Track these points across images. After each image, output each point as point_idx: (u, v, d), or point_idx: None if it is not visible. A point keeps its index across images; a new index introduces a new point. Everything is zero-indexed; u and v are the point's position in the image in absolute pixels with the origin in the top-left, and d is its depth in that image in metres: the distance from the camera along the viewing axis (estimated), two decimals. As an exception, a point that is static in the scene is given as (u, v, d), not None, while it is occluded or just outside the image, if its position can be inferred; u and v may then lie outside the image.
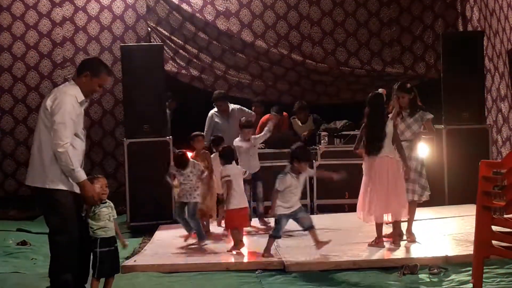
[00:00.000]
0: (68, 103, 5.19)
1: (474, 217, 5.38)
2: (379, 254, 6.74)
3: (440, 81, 9.77)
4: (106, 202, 5.52)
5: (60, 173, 5.19)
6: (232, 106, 10.09)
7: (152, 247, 7.60)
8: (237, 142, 8.36)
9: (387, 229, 7.18)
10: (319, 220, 8.35)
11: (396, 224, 7.01)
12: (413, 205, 7.19)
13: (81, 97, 5.34)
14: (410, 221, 7.21)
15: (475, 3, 10.80)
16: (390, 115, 7.03)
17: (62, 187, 5.22)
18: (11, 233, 8.81)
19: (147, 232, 8.51)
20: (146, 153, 9.09)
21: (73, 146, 5.22)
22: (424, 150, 7.47)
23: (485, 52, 10.19)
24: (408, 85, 7.34)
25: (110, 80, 5.90)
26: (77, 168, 5.16)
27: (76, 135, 5.29)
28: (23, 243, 8.04)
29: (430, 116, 7.22)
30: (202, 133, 8.55)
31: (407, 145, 7.12)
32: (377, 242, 6.94)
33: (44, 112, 5.25)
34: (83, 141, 5.43)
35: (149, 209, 8.99)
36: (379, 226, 6.96)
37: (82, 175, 5.20)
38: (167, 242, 7.81)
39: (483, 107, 9.87)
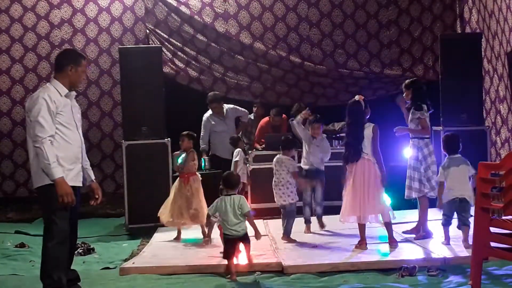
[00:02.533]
0: (40, 100, 5.30)
1: (473, 218, 5.37)
2: (378, 255, 6.74)
3: (438, 83, 9.77)
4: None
5: (38, 170, 5.31)
6: (225, 106, 10.08)
7: (151, 249, 7.60)
8: (309, 137, 8.28)
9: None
10: (316, 222, 8.35)
11: (387, 226, 7.06)
12: (423, 200, 7.45)
13: (64, 90, 5.46)
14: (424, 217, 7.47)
15: (473, 5, 10.81)
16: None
17: (47, 182, 5.29)
18: (9, 235, 8.80)
19: (145, 234, 8.51)
20: (145, 155, 9.08)
21: (64, 139, 5.35)
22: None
23: (484, 53, 10.20)
24: (407, 81, 7.69)
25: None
26: (54, 163, 5.21)
27: (66, 127, 5.40)
28: (22, 245, 8.03)
29: (417, 114, 7.38)
30: (190, 132, 8.33)
31: (411, 142, 7.48)
32: (360, 244, 6.98)
33: (26, 115, 5.43)
34: (76, 133, 5.51)
35: (148, 211, 8.97)
36: (362, 228, 7.02)
37: (58, 172, 5.24)
38: (166, 244, 7.81)
39: (482, 108, 9.87)
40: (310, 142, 8.21)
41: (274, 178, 7.83)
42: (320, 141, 8.26)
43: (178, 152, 8.24)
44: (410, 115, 7.45)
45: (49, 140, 5.25)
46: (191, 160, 8.01)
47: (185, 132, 8.13)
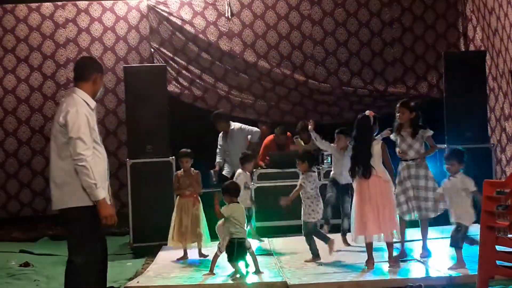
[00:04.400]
0: (81, 115, 4.99)
1: (478, 236, 5.35)
2: (383, 274, 6.69)
3: (442, 100, 9.78)
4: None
5: (74, 190, 4.97)
6: (233, 125, 10.01)
7: (155, 268, 7.57)
8: (333, 149, 8.28)
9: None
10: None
11: (388, 246, 6.98)
12: (425, 223, 7.35)
13: (92, 102, 5.18)
14: (424, 238, 7.37)
15: (478, 23, 10.84)
16: (378, 136, 7.15)
17: (76, 204, 4.99)
18: (13, 254, 8.79)
19: (150, 253, 8.48)
20: (149, 173, 9.08)
21: (97, 156, 5.07)
22: None
23: (488, 71, 10.21)
24: (412, 104, 7.47)
25: None
26: (98, 184, 4.95)
27: (97, 142, 5.12)
28: (26, 264, 8.01)
29: (430, 132, 7.32)
30: (188, 151, 8.20)
31: (415, 163, 7.24)
32: (368, 263, 6.91)
33: (57, 129, 5.04)
34: (103, 147, 5.24)
35: (152, 230, 8.96)
36: (369, 246, 6.95)
37: (101, 193, 4.97)
38: (170, 263, 7.78)
39: (487, 126, 9.86)
40: (341, 154, 8.15)
41: (313, 194, 7.44)
42: (349, 150, 8.02)
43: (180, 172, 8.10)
44: (410, 138, 7.28)
45: (91, 158, 4.97)
46: (199, 180, 8.03)
47: (188, 151, 8.10)
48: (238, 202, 6.95)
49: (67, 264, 5.09)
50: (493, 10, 10.06)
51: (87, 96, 5.16)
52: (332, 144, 8.30)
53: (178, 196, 8.06)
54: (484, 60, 9.91)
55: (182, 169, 8.06)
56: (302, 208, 7.45)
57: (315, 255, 7.39)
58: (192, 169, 8.06)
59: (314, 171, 7.60)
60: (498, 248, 5.20)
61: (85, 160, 4.91)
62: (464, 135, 9.39)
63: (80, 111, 5.00)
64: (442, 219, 7.77)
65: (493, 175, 9.35)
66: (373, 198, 6.80)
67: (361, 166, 6.84)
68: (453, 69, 9.63)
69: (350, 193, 8.01)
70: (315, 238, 7.47)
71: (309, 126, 8.32)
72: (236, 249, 6.76)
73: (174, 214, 8.02)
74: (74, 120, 4.96)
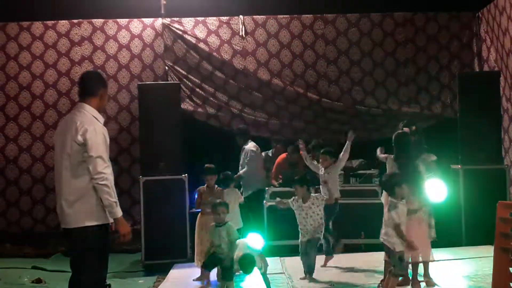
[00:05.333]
0: (99, 133, 5.02)
1: (492, 258, 5.31)
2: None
3: (456, 121, 9.75)
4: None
5: (86, 208, 4.96)
6: (248, 144, 9.97)
7: (167, 286, 7.56)
8: (320, 169, 8.28)
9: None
10: (334, 260, 8.30)
11: (414, 266, 6.88)
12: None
13: (101, 118, 5.19)
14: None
15: (491, 44, 10.82)
16: None
17: (90, 222, 4.98)
18: (26, 270, 8.80)
19: (161, 271, 8.47)
20: (162, 190, 9.10)
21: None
22: (442, 190, 7.47)
23: (502, 92, 10.18)
24: (414, 127, 7.42)
25: None
26: (117, 201, 4.98)
27: (109, 160, 5.11)
28: (38, 280, 8.03)
29: (434, 157, 7.23)
30: (212, 167, 8.11)
31: None
32: (414, 284, 6.73)
33: (74, 148, 4.99)
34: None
35: (164, 247, 8.96)
36: (414, 267, 6.80)
37: (120, 211, 5.01)
38: (182, 281, 7.76)
39: (501, 147, 9.81)
40: (327, 173, 8.16)
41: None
42: (331, 168, 8.16)
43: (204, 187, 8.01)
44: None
45: (110, 176, 5.00)
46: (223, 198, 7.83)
47: (212, 167, 8.03)
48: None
49: (74, 284, 5.06)
50: (507, 31, 10.05)
51: (96, 112, 5.18)
52: (319, 165, 8.31)
53: (199, 213, 7.97)
54: (498, 81, 9.89)
55: (205, 185, 7.98)
56: (311, 226, 7.41)
57: (312, 271, 7.40)
58: (216, 186, 7.99)
59: (311, 192, 7.61)
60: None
61: (106, 179, 4.93)
62: (478, 156, 9.36)
63: (98, 130, 5.03)
64: (455, 240, 7.73)
65: (507, 197, 9.28)
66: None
67: (412, 186, 6.57)
68: (467, 89, 9.62)
69: (335, 211, 8.06)
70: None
71: (300, 146, 8.35)
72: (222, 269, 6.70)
73: (196, 231, 7.93)
74: (93, 139, 4.97)
